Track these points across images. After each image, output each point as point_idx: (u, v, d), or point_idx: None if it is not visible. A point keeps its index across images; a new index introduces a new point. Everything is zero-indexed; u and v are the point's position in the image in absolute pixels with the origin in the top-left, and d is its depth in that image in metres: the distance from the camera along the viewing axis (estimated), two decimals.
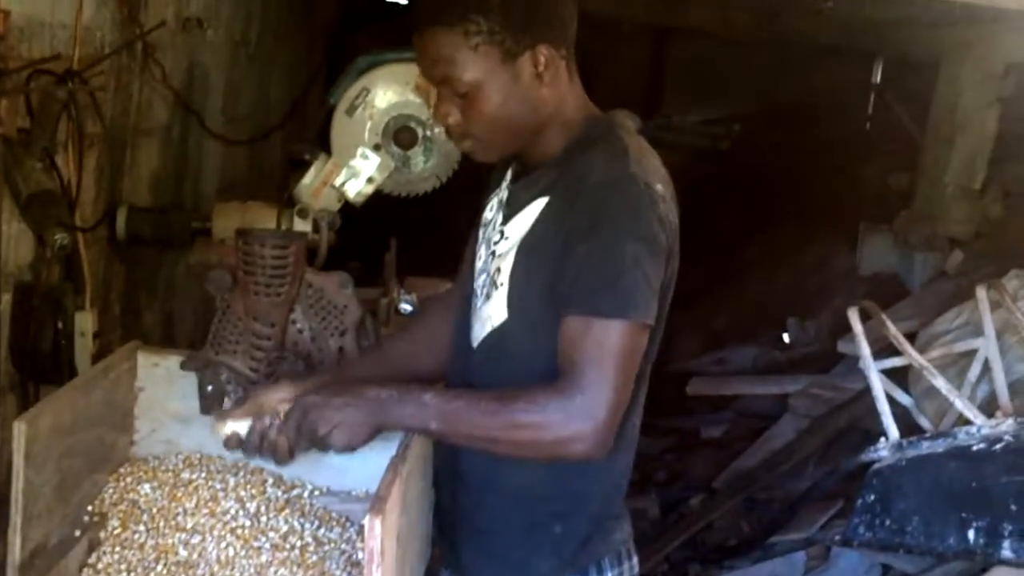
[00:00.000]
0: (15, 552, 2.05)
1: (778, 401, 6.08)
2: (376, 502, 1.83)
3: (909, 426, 4.24)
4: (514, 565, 2.25)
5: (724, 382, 6.60)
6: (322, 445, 2.08)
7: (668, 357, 7.15)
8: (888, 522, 3.94)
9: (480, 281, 2.22)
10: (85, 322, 3.11)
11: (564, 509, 2.22)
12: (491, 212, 2.28)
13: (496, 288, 2.15)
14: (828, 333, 6.49)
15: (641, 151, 2.13)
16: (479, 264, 2.25)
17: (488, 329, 2.17)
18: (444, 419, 2.01)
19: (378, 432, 2.06)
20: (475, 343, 2.21)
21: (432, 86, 2.18)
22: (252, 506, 2.36)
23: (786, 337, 6.99)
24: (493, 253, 2.19)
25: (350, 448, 2.07)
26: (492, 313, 2.15)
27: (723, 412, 6.50)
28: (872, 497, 3.99)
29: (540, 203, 2.13)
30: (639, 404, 2.23)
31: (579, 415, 1.93)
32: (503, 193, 2.26)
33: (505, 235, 2.18)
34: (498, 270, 2.15)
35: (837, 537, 4.31)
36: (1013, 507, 3.67)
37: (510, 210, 2.20)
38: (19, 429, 2.03)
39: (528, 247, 2.12)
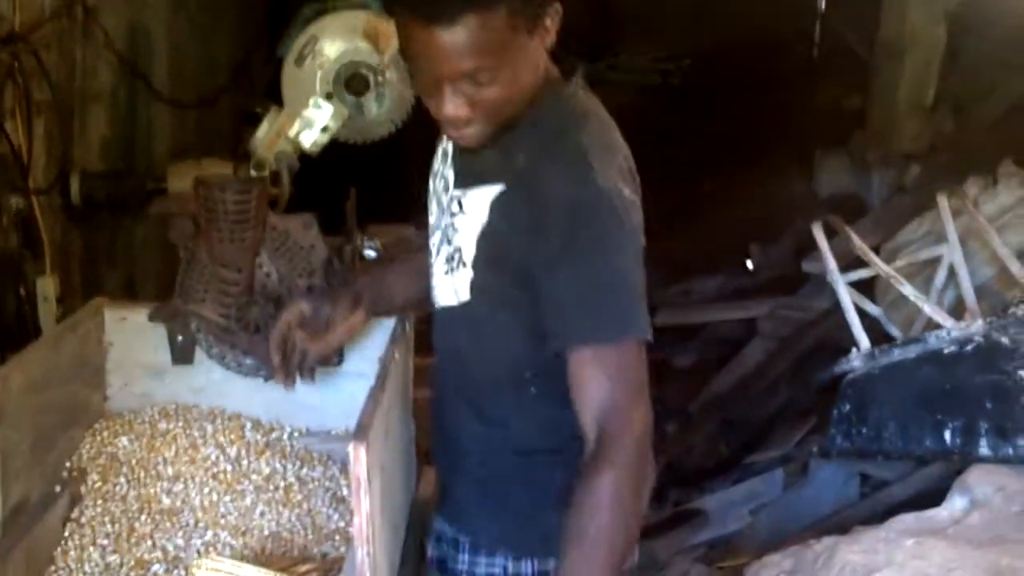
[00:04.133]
0: None
1: (746, 326, 6.09)
2: (359, 430, 1.81)
3: (878, 338, 4.25)
4: (521, 519, 2.18)
5: (691, 311, 6.60)
6: None
7: None
8: (865, 430, 3.96)
9: (435, 238, 2.14)
10: (47, 287, 3.08)
11: (566, 459, 2.19)
12: (439, 163, 2.18)
13: (461, 267, 2.06)
14: (791, 256, 6.49)
15: (600, 142, 2.01)
16: (432, 219, 2.17)
17: (453, 302, 2.10)
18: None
19: None
20: (439, 304, 2.15)
21: (444, 82, 1.91)
22: (232, 451, 2.36)
23: (749, 264, 7.00)
24: (451, 225, 2.08)
25: None
26: (457, 288, 2.08)
27: (692, 341, 6.51)
28: (847, 407, 4.00)
29: (494, 190, 2.01)
30: None
31: (621, 453, 1.87)
32: (446, 144, 2.16)
33: (463, 209, 2.06)
34: (459, 249, 2.06)
35: (815, 449, 4.33)
36: (988, 405, 3.69)
37: (462, 175, 2.10)
38: None
39: (488, 239, 2.02)
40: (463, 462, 2.20)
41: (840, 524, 3.80)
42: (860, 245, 4.21)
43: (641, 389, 1.91)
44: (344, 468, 2.40)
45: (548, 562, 2.09)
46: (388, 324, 2.45)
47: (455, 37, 1.85)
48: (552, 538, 1.98)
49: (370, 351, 2.42)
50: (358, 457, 1.76)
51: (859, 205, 6.65)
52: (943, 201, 4.30)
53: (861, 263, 4.30)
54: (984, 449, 3.67)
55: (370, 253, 3.68)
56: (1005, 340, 3.75)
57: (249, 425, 2.45)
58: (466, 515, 2.21)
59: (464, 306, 2.08)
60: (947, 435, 3.76)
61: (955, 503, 3.32)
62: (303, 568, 2.07)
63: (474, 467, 2.19)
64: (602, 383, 1.90)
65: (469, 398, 2.15)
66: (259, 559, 2.13)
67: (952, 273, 4.21)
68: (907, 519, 3.25)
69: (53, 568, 2.10)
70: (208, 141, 5.33)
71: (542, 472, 2.13)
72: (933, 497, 3.51)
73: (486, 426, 2.14)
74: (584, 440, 1.94)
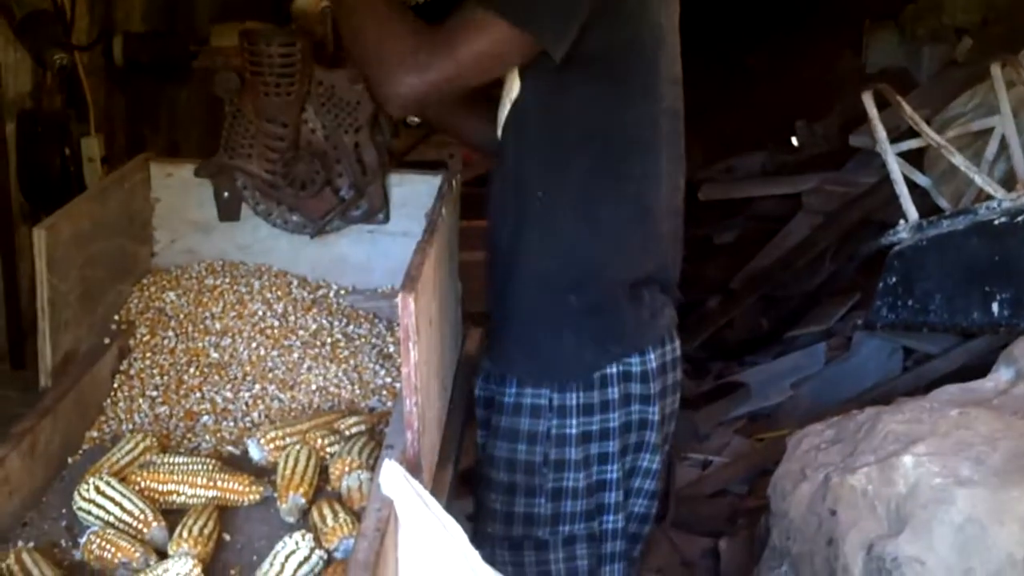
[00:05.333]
0: (47, 359, 2.05)
1: (791, 203, 6.03)
2: (407, 281, 1.80)
3: (926, 211, 4.20)
4: (550, 355, 2.24)
5: (735, 186, 6.54)
6: None
7: None
8: (911, 302, 3.93)
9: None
10: (92, 147, 3.06)
11: (591, 298, 2.20)
12: None
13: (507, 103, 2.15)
14: (838, 132, 6.41)
15: None
16: None
17: (508, 108, 2.15)
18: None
19: None
20: (500, 125, 2.20)
21: None
22: (279, 307, 2.36)
23: (795, 140, 6.92)
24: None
25: None
26: (509, 87, 2.12)
27: (735, 218, 6.47)
28: (894, 279, 3.97)
29: None
30: (651, 177, 2.21)
31: (412, 66, 1.99)
32: None
33: None
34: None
35: (860, 322, 4.31)
36: None
37: None
38: (39, 236, 2.01)
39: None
40: (499, 302, 2.27)
41: (883, 397, 3.80)
42: (911, 113, 4.13)
43: (474, 57, 1.99)
44: (390, 326, 2.40)
45: (592, 395, 2.21)
46: (434, 182, 2.43)
47: None
48: (593, 371, 2.18)
49: (416, 211, 2.40)
50: (407, 307, 1.75)
51: (909, 80, 6.54)
52: (996, 71, 4.22)
53: (911, 134, 4.23)
54: None
55: (413, 120, 3.65)
56: None
57: (295, 282, 2.45)
58: (508, 353, 2.28)
59: (515, 110, 2.16)
60: (995, 307, 3.73)
61: (1001, 374, 3.28)
62: (351, 420, 2.07)
63: (509, 305, 2.25)
64: (453, 24, 2.00)
65: (503, 233, 2.24)
66: (306, 412, 2.14)
67: (1004, 144, 4.14)
68: (951, 389, 3.22)
69: (103, 418, 2.11)
70: (251, 4, 5.27)
71: (568, 309, 2.20)
72: (977, 371, 3.49)
73: (513, 262, 2.21)
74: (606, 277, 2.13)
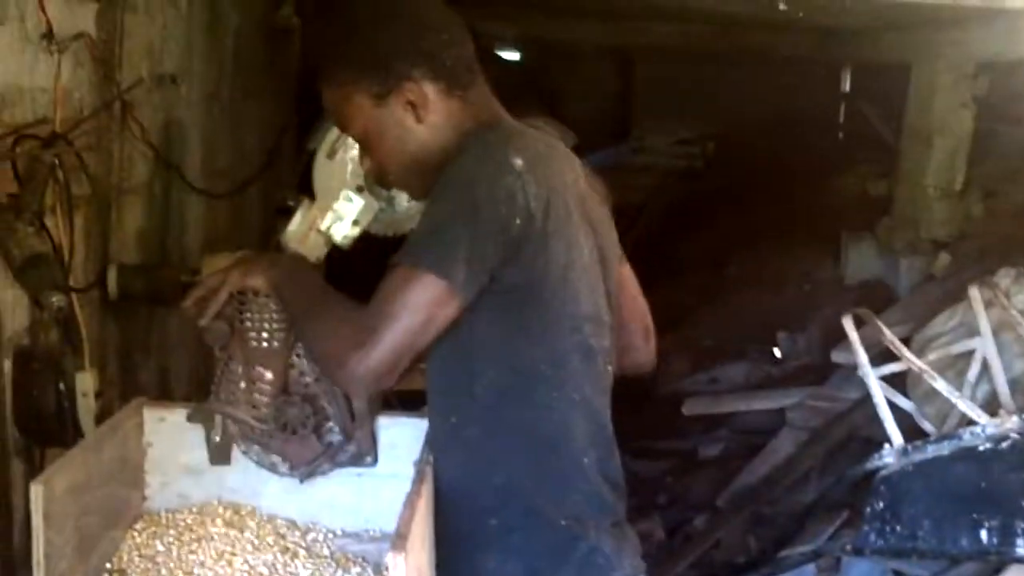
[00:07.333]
0: None
1: (775, 416, 6.06)
2: (397, 539, 1.82)
3: (910, 431, 4.24)
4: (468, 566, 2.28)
5: (719, 400, 6.58)
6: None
7: (658, 379, 7.14)
8: (899, 528, 3.93)
9: None
10: (86, 382, 3.09)
11: (495, 503, 2.27)
12: None
13: None
14: (819, 344, 6.47)
15: (524, 138, 2.24)
16: None
17: None
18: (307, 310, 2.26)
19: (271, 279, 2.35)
20: None
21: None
22: (269, 556, 2.35)
23: (777, 352, 6.98)
24: None
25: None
26: None
27: (719, 431, 6.48)
28: (881, 504, 3.98)
29: None
30: (556, 399, 2.28)
31: (356, 349, 2.07)
32: None
33: None
34: None
35: (848, 546, 4.30)
36: None
37: None
38: (36, 491, 2.02)
39: None
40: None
41: None
42: (891, 339, 4.21)
43: (410, 317, 2.08)
44: (378, 569, 2.40)
45: None
46: (422, 424, 2.46)
47: (324, 102, 2.35)
48: None
49: (405, 452, 2.43)
50: (396, 566, 1.76)
51: (887, 292, 6.65)
52: (975, 293, 4.31)
53: (892, 355, 4.30)
54: (1021, 549, 3.65)
55: None
56: None
57: (285, 526, 2.46)
58: None
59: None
60: (983, 534, 3.73)
61: None
62: None
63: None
64: (379, 294, 2.11)
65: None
66: None
67: (985, 367, 4.20)
68: None
69: None
70: (240, 231, 5.38)
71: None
72: None
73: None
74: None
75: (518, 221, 2.11)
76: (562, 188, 2.24)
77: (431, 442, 2.33)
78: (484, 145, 2.19)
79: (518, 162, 2.13)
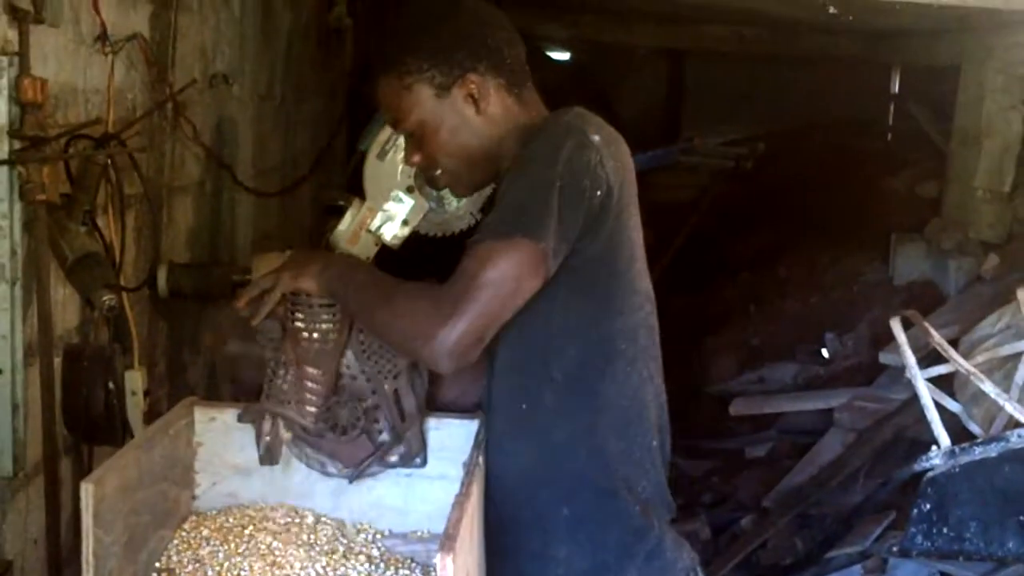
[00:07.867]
0: None
1: (822, 417, 6.04)
2: (446, 540, 1.83)
3: (958, 433, 4.22)
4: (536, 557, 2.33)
5: (766, 401, 6.56)
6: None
7: (706, 378, 7.14)
8: (946, 530, 3.92)
9: None
10: (135, 381, 3.13)
11: (568, 491, 2.30)
12: None
13: None
14: (867, 345, 6.45)
15: (596, 119, 2.26)
16: None
17: None
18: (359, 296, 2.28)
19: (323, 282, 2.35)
20: None
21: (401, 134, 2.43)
22: (318, 557, 2.36)
23: (825, 352, 6.95)
24: None
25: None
26: None
27: (766, 431, 6.47)
28: (928, 506, 3.97)
29: None
30: (629, 374, 2.31)
31: (439, 321, 2.07)
32: None
33: None
34: None
35: (895, 548, 4.28)
36: None
37: None
38: (87, 490, 2.04)
39: None
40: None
41: None
42: (940, 342, 4.19)
43: (497, 288, 2.09)
44: (426, 570, 2.42)
45: None
46: (472, 426, 2.47)
47: (377, 94, 2.35)
48: None
49: (454, 454, 2.45)
50: (444, 567, 1.78)
51: (935, 293, 6.60)
52: (1022, 295, 4.28)
53: (940, 357, 4.28)
54: None
55: None
56: None
57: (334, 527, 2.47)
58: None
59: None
60: None
61: None
62: None
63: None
64: (466, 268, 2.10)
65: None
66: None
67: None
68: None
69: None
70: (289, 230, 5.43)
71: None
72: None
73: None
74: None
75: (599, 193, 2.15)
76: (630, 169, 2.28)
77: (496, 435, 2.35)
78: (562, 124, 2.23)
79: (596, 138, 2.18)
